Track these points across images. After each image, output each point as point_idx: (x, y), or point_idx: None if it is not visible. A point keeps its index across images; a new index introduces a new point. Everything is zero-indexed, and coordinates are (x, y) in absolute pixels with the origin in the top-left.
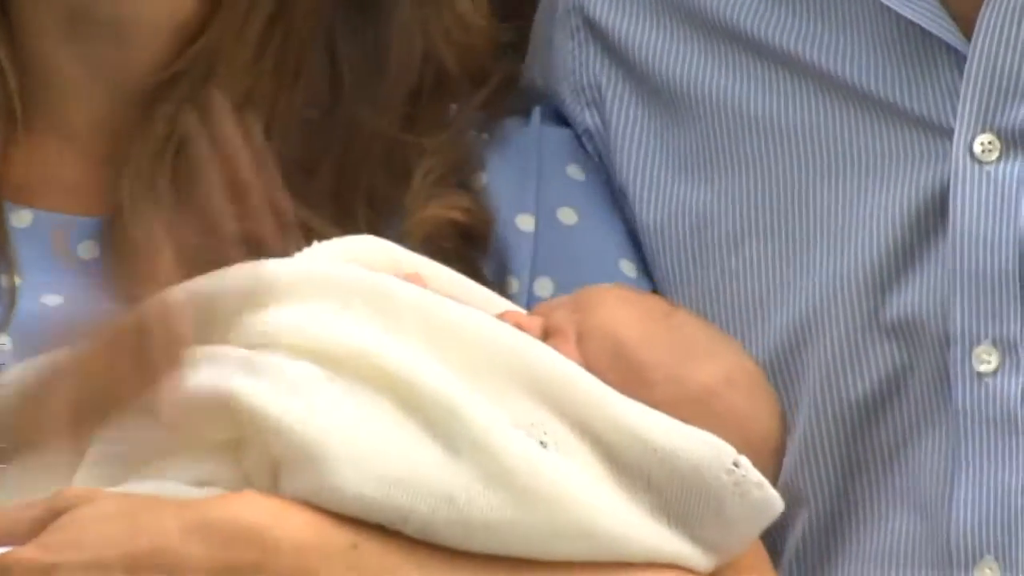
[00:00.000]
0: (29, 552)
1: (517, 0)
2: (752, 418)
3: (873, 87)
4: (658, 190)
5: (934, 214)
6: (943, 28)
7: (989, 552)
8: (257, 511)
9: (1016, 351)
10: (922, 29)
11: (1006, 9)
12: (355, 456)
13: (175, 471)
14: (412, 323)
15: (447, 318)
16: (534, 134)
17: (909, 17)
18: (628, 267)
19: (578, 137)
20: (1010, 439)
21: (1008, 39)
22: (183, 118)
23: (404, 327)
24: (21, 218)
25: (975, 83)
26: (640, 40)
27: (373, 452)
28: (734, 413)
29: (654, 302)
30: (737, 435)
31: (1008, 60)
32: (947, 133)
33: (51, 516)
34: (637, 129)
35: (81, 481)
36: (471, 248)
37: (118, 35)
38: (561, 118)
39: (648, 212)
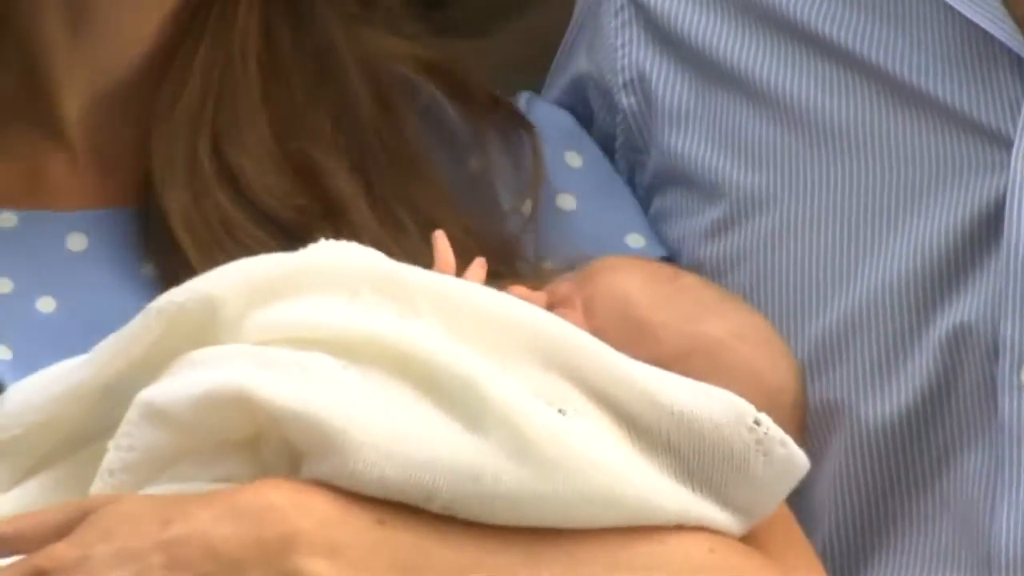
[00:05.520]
0: (60, 548)
1: None
2: (766, 371)
3: (933, 90)
4: (706, 171)
5: (989, 224)
6: (1007, 33)
7: None
8: (282, 493)
9: None
10: (987, 35)
11: None
12: (377, 440)
13: (193, 472)
14: (425, 304)
15: (460, 296)
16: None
17: (972, 18)
18: (635, 239)
19: (581, 120)
20: None
21: None
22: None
23: (418, 309)
24: (5, 220)
25: None
26: (693, 24)
27: (395, 435)
28: (746, 366)
29: (659, 267)
30: (752, 389)
31: None
32: (1006, 143)
33: (80, 517)
34: (686, 111)
35: (97, 491)
36: None
37: (116, 27)
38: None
39: None
